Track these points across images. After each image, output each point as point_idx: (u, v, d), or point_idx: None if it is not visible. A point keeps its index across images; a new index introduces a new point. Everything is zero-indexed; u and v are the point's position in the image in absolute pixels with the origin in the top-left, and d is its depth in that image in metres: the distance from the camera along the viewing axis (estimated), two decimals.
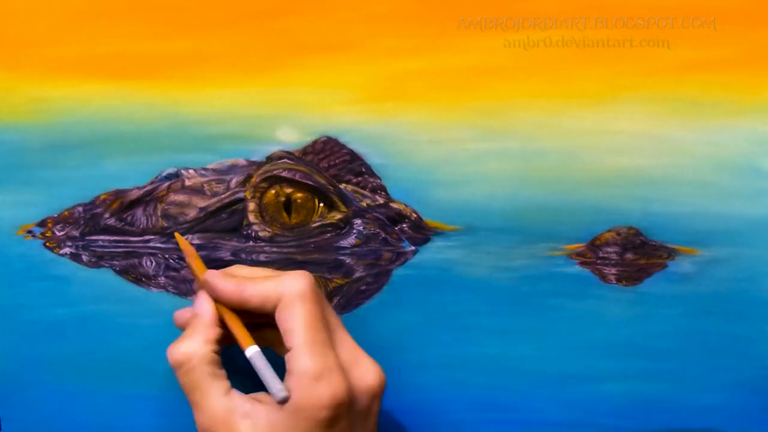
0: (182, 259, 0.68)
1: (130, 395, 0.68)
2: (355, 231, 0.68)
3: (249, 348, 0.58)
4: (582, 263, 0.67)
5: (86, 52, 0.66)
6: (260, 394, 0.58)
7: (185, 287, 0.68)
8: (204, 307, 0.60)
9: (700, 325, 0.67)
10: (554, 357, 0.68)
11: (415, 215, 0.68)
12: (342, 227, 0.68)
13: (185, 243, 0.64)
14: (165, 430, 0.68)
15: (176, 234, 0.65)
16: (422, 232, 0.68)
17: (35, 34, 0.66)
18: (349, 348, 0.58)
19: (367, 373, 0.58)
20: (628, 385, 0.68)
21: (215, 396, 0.57)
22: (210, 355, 0.58)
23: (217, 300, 0.59)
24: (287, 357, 0.56)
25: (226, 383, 0.58)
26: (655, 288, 0.67)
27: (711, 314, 0.67)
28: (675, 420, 0.68)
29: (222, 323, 0.60)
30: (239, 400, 0.57)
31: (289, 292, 0.56)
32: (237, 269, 0.61)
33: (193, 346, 0.58)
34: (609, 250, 0.67)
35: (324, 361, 0.55)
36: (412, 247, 0.68)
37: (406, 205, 0.68)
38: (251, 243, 0.68)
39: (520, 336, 0.68)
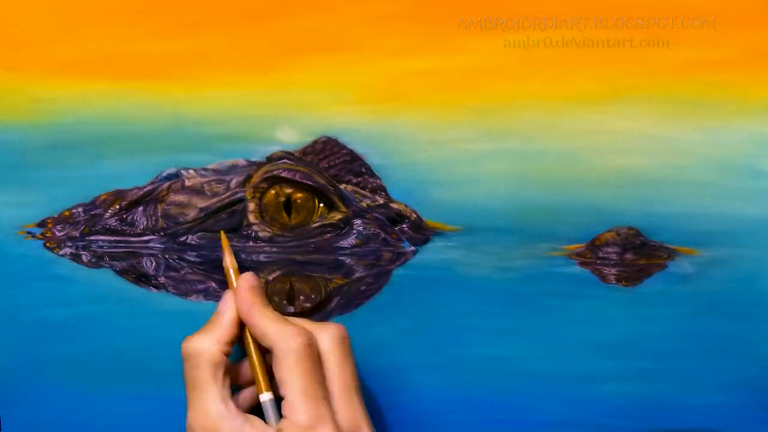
0: (182, 259, 0.68)
1: (130, 395, 0.68)
2: (355, 231, 0.68)
3: (264, 394, 0.59)
4: (582, 263, 0.67)
5: (86, 52, 0.66)
6: (255, 419, 0.59)
7: (185, 287, 0.68)
8: (226, 306, 0.61)
9: (700, 325, 0.67)
10: (554, 357, 0.68)
11: (415, 215, 0.68)
12: (342, 227, 0.68)
13: (226, 242, 0.64)
14: (165, 430, 0.68)
15: (221, 233, 0.65)
16: (422, 232, 0.68)
17: (35, 34, 0.66)
18: (357, 414, 0.59)
19: None
20: (628, 385, 0.67)
21: (212, 399, 0.57)
22: (218, 356, 0.59)
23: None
24: (282, 404, 0.58)
25: (227, 390, 0.59)
26: (655, 288, 0.67)
27: (711, 314, 0.67)
28: (675, 420, 0.68)
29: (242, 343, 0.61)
30: (234, 413, 0.58)
31: (282, 347, 0.58)
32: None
33: (205, 343, 0.59)
34: (609, 250, 0.67)
35: (316, 413, 0.56)
36: (412, 248, 0.68)
37: (406, 206, 0.68)
38: (251, 243, 0.68)
39: (520, 336, 0.68)
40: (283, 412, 0.57)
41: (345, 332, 0.61)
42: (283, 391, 0.57)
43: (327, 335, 0.60)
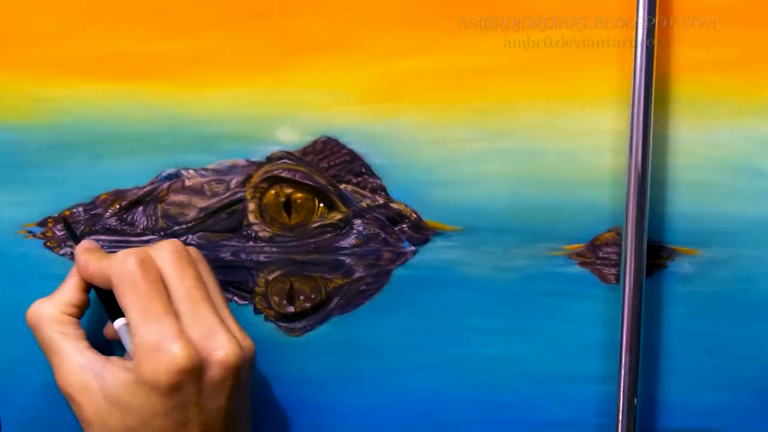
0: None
1: None
2: (355, 231, 0.68)
3: (116, 321, 0.60)
4: (582, 263, 0.67)
5: (86, 52, 0.66)
6: (115, 358, 0.60)
7: None
8: (69, 275, 0.63)
9: (700, 325, 0.67)
10: (554, 357, 0.68)
11: (415, 215, 0.68)
12: (342, 227, 0.68)
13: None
14: None
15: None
16: (422, 232, 0.68)
17: (35, 34, 0.66)
18: (207, 321, 0.59)
19: (220, 345, 0.58)
20: None
21: (70, 354, 0.60)
22: (59, 316, 0.61)
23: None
24: (130, 330, 0.59)
25: (83, 343, 0.61)
26: (655, 288, 0.67)
27: (711, 314, 0.67)
28: (675, 420, 0.68)
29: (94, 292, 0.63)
30: (93, 358, 0.60)
31: (115, 273, 0.59)
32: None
33: (42, 306, 0.61)
34: (609, 250, 0.67)
35: (158, 330, 0.57)
36: (412, 247, 0.68)
37: (406, 205, 0.68)
38: (251, 243, 0.68)
39: (520, 336, 0.68)
40: (131, 337, 0.58)
41: (179, 245, 0.62)
42: (127, 318, 0.58)
43: (161, 253, 0.61)
